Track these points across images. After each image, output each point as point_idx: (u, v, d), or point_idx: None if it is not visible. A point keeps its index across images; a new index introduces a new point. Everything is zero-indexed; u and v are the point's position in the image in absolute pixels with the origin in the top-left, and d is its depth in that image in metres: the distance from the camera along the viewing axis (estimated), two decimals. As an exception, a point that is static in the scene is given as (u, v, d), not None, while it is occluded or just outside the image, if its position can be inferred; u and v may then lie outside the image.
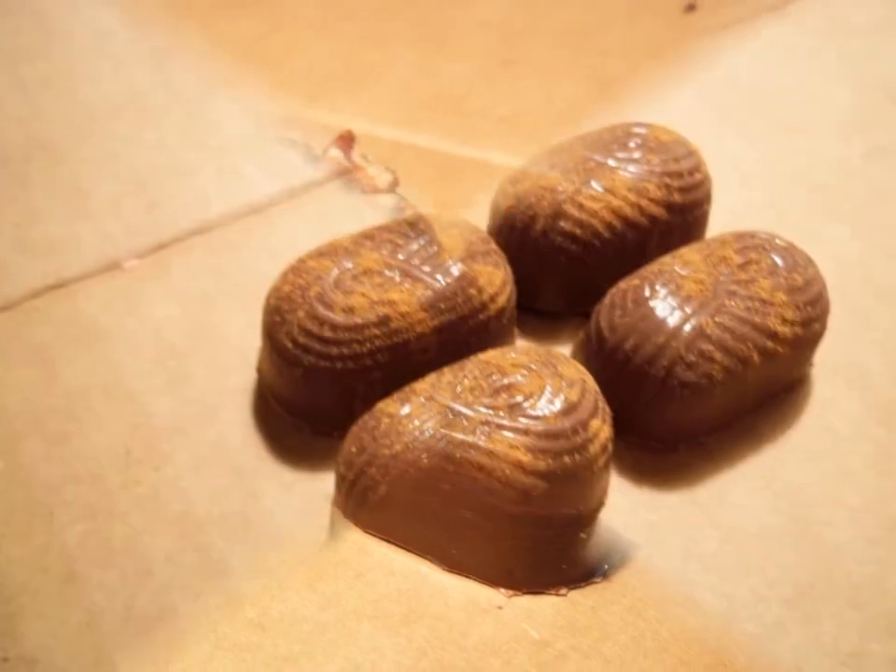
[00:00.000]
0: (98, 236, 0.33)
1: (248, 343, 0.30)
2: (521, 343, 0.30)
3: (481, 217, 0.32)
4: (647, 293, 0.27)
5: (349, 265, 0.28)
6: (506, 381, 0.25)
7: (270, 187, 0.35)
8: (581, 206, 0.29)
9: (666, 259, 0.28)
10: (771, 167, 0.36)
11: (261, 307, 0.28)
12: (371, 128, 0.37)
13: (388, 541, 0.24)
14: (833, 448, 0.28)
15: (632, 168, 0.30)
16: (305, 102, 0.38)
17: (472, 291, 0.27)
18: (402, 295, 0.27)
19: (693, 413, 0.27)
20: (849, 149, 0.36)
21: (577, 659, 0.23)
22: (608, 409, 0.26)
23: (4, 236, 0.33)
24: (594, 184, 0.29)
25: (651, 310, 0.27)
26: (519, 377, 0.25)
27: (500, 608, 0.24)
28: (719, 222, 0.32)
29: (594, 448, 0.24)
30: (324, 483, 0.27)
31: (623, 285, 0.28)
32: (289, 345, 0.27)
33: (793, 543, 0.26)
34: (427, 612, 0.23)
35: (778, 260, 0.28)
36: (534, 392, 0.25)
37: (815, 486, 0.27)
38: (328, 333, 0.26)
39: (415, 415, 0.24)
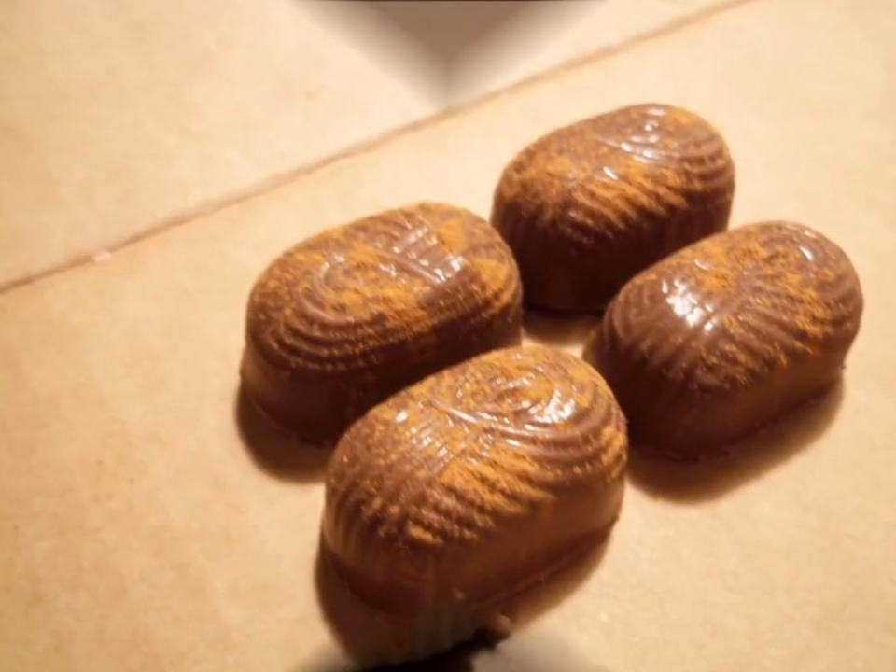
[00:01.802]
0: (68, 227, 0.33)
1: (231, 344, 0.30)
2: (527, 343, 0.30)
3: (483, 207, 0.31)
4: (664, 289, 0.27)
5: (341, 259, 0.27)
6: (511, 385, 0.25)
7: (254, 174, 0.35)
8: (592, 195, 0.29)
9: (686, 253, 0.28)
10: (798, 152, 0.36)
11: (245, 304, 0.28)
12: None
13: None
14: (867, 457, 0.28)
15: (648, 153, 0.30)
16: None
17: (474, 287, 0.27)
18: (398, 291, 0.27)
19: (715, 419, 0.27)
20: (882, 133, 0.36)
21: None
22: (622, 415, 0.26)
23: (-34, 227, 0.33)
24: (607, 170, 0.29)
25: (669, 307, 0.27)
26: (525, 381, 0.25)
27: None
28: (742, 212, 0.32)
29: (606, 458, 0.24)
30: (313, 496, 0.27)
31: (638, 280, 0.28)
32: (275, 346, 0.27)
33: (823, 561, 0.26)
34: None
35: (808, 254, 0.28)
36: (541, 397, 0.25)
37: (847, 499, 0.27)
38: (317, 333, 0.26)
39: (412, 422, 0.24)
